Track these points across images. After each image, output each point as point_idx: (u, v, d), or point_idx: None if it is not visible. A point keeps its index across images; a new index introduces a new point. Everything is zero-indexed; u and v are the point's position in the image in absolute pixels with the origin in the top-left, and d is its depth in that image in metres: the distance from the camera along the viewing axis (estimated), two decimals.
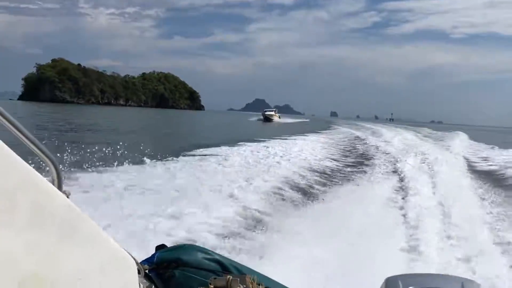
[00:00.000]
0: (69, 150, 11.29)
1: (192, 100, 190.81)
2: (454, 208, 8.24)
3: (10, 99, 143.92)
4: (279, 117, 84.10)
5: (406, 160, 15.53)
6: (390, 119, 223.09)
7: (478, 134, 49.18)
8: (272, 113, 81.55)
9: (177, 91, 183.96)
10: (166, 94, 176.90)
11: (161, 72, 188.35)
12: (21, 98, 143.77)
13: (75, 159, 10.85)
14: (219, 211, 7.00)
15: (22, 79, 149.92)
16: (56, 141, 17.74)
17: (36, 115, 45.55)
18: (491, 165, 16.45)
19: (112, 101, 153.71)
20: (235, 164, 12.41)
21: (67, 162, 10.18)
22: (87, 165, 10.32)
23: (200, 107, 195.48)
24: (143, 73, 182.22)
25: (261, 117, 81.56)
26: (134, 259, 1.41)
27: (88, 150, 11.68)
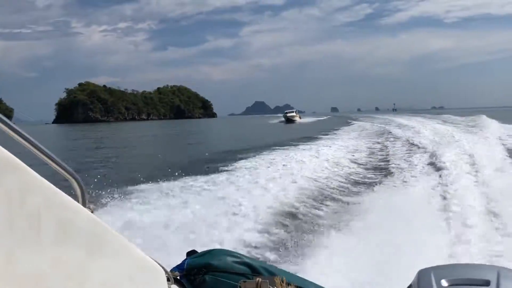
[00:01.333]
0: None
1: (205, 109, 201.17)
2: (501, 202, 7.87)
3: (46, 123, 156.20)
4: (300, 118, 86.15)
5: (443, 153, 14.72)
6: (393, 109, 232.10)
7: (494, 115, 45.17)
8: (294, 114, 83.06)
9: (190, 101, 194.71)
10: (182, 105, 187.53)
11: (174, 86, 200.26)
12: (55, 121, 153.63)
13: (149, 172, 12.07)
14: (261, 209, 7.46)
15: (56, 104, 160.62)
16: (114, 159, 21.06)
17: (86, 136, 49.18)
18: None
19: (136, 117, 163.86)
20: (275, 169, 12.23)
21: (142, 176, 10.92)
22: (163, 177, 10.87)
23: (213, 115, 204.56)
24: (158, 88, 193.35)
25: (283, 118, 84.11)
26: (163, 267, 1.48)
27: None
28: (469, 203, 7.91)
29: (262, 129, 59.78)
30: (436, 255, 5.42)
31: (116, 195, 8.63)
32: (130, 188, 9.83)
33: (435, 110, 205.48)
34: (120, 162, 21.02)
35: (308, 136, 29.14)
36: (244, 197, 8.41)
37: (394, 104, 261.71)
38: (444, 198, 8.52)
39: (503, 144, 17.73)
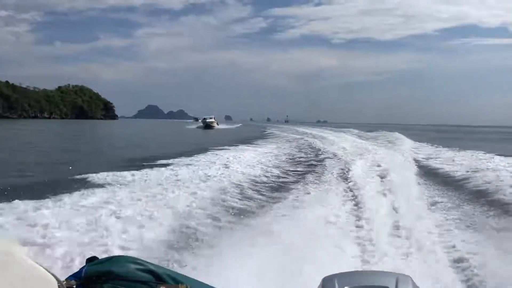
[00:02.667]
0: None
1: (107, 110, 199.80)
2: (404, 209, 8.75)
3: None
4: (218, 124, 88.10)
5: (355, 164, 15.70)
6: (285, 120, 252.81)
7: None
8: (212, 120, 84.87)
9: (93, 102, 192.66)
10: (84, 106, 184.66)
11: (76, 85, 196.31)
12: None
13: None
14: (160, 221, 7.30)
15: None
16: None
17: None
18: (439, 165, 16.99)
19: (38, 115, 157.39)
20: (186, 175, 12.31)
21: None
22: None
23: (114, 117, 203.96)
24: (59, 87, 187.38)
25: (201, 124, 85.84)
26: (55, 276, 1.32)
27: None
28: (376, 213, 8.32)
29: (183, 134, 59.78)
30: (342, 263, 5.73)
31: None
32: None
33: (320, 124, 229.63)
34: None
35: (231, 142, 29.82)
36: (153, 202, 8.47)
37: (287, 116, 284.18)
38: (352, 208, 8.90)
39: (413, 159, 19.22)
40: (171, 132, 70.45)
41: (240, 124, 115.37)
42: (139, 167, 14.23)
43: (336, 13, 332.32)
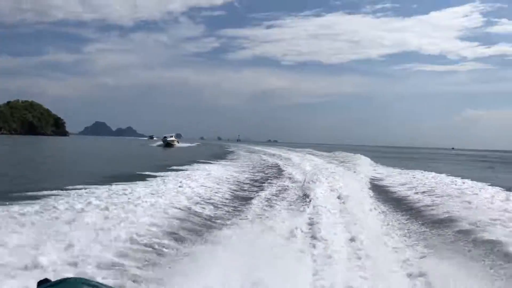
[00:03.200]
0: None
1: (57, 127, 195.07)
2: (361, 231, 8.75)
3: None
4: (178, 142, 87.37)
5: (315, 185, 15.76)
6: (237, 139, 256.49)
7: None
8: (173, 138, 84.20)
9: (43, 118, 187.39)
10: (34, 122, 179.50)
11: (26, 101, 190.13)
12: None
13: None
14: (108, 241, 7.02)
15: None
16: None
17: None
18: (393, 186, 17.65)
19: None
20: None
21: None
22: None
23: (65, 133, 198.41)
24: (8, 102, 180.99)
25: (161, 142, 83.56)
26: None
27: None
28: (333, 232, 8.58)
29: (147, 152, 58.97)
30: (299, 279, 5.96)
31: None
32: None
33: (271, 143, 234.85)
34: None
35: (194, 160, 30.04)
36: (105, 222, 8.17)
37: (238, 135, 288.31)
38: (309, 225, 9.17)
39: (371, 180, 19.61)
40: (132, 150, 69.64)
41: (198, 143, 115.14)
42: (103, 183, 14.34)
43: (286, 36, 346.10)
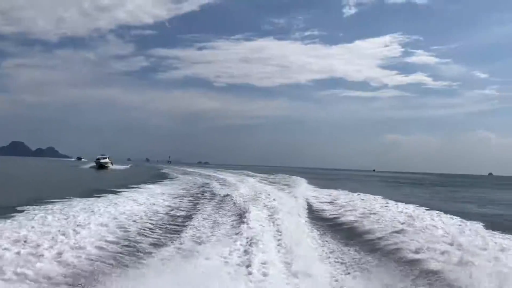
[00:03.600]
0: None
1: None
2: (297, 255, 8.86)
3: None
4: (112, 164, 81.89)
5: (251, 207, 15.52)
6: (168, 161, 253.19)
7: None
8: (107, 160, 79.17)
9: None
10: None
11: None
12: None
13: None
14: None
15: None
16: None
17: None
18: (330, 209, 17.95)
19: None
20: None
21: None
22: None
23: None
24: None
25: (94, 164, 79.29)
26: None
27: None
28: (268, 258, 8.48)
29: (78, 174, 56.92)
30: None
31: None
32: None
33: (202, 165, 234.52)
34: None
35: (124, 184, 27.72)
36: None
37: (169, 156, 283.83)
38: (245, 250, 8.99)
39: (307, 203, 19.81)
40: (63, 172, 65.89)
41: (131, 164, 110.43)
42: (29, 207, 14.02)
43: (218, 57, 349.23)
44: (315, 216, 16.39)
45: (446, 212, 16.25)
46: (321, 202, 21.12)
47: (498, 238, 11.03)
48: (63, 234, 9.81)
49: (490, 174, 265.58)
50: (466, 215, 15.99)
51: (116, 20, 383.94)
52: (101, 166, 74.81)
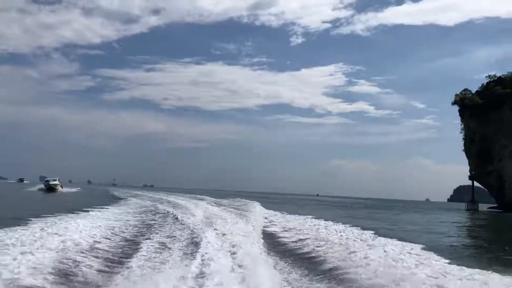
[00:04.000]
0: None
1: None
2: (251, 277, 8.82)
3: None
4: (62, 187, 78.11)
5: (206, 233, 15.00)
6: (113, 184, 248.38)
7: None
8: (57, 182, 75.23)
9: None
10: None
11: None
12: None
13: None
14: None
15: None
16: None
17: None
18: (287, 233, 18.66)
19: None
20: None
21: None
22: None
23: None
24: None
25: (43, 186, 75.62)
26: None
27: None
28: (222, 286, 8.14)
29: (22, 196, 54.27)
30: None
31: None
32: None
33: (147, 188, 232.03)
34: None
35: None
36: None
37: (114, 179, 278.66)
38: (198, 278, 8.69)
39: (263, 229, 20.02)
40: (8, 195, 61.11)
41: (79, 188, 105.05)
42: None
43: (167, 80, 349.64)
44: (269, 240, 16.94)
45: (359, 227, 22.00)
46: (274, 225, 22.89)
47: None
48: None
49: (427, 199, 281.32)
50: (364, 227, 21.80)
51: (61, 38, 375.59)
52: (50, 189, 71.67)
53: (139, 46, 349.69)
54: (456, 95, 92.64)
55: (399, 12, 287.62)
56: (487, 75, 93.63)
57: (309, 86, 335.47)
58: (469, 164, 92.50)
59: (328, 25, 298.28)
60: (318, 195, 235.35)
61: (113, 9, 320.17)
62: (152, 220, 22.57)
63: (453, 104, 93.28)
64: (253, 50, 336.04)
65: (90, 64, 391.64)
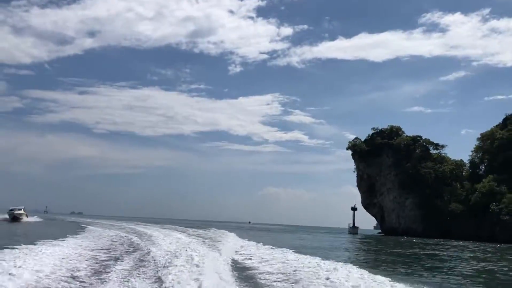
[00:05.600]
0: None
1: None
2: None
3: None
4: (27, 216, 76.58)
5: (173, 264, 14.86)
6: (45, 211, 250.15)
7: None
8: (22, 211, 73.86)
9: None
10: None
11: None
12: None
13: None
14: None
15: None
16: None
17: None
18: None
19: None
20: None
21: None
22: None
23: None
24: None
25: (7, 216, 72.74)
26: None
27: None
28: None
29: None
30: None
31: None
32: None
33: (75, 215, 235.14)
34: None
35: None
36: None
37: (46, 207, 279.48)
38: None
39: (232, 259, 20.23)
40: None
41: (41, 219, 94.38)
42: None
43: (100, 103, 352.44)
44: (248, 275, 16.56)
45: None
46: (253, 258, 22.79)
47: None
48: None
49: (355, 227, 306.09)
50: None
51: None
52: (15, 218, 69.74)
53: (73, 68, 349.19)
54: (349, 142, 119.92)
55: (332, 47, 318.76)
56: (371, 127, 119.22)
57: (247, 114, 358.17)
58: (361, 196, 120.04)
59: (266, 56, 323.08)
60: (250, 222, 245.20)
61: (46, 29, 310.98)
62: (114, 251, 22.30)
63: (347, 149, 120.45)
64: (191, 77, 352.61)
65: (18, 85, 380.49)
